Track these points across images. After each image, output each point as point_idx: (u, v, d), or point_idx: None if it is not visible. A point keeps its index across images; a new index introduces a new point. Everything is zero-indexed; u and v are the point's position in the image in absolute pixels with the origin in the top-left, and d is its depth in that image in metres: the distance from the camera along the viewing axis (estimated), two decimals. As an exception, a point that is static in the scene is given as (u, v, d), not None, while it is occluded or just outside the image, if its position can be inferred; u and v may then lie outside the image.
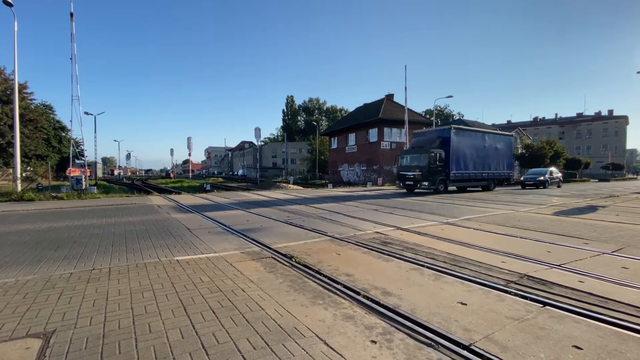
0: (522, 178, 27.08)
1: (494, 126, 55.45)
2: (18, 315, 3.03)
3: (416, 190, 18.97)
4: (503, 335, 2.72)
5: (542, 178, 25.21)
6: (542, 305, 3.31)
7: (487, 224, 8.26)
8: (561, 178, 27.96)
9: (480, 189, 21.71)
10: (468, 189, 21.32)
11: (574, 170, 50.25)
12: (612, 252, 5.48)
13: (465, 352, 2.45)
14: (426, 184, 17.91)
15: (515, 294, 3.59)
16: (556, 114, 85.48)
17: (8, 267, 4.65)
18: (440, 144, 18.64)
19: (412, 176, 18.36)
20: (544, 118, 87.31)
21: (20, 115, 23.04)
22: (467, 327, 2.87)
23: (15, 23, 15.69)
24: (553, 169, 28.15)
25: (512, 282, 4.03)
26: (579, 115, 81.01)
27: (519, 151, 43.21)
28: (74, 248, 5.77)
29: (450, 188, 20.02)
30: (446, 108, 79.07)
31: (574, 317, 3.06)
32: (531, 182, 25.03)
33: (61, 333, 2.70)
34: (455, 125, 19.54)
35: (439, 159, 18.15)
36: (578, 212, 10.67)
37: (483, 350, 2.49)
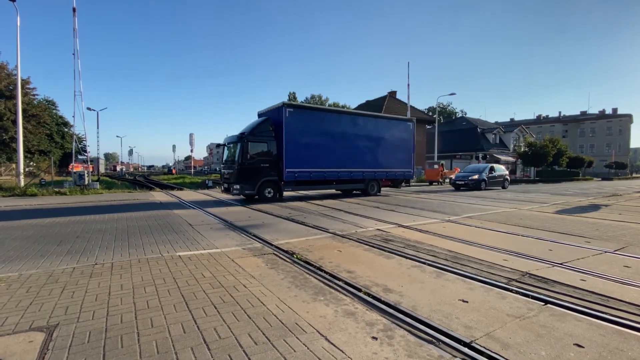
0: (452, 177, 22.53)
1: (496, 124, 55.20)
2: (21, 309, 3.05)
3: (234, 196, 13.53)
4: (504, 332, 2.72)
5: (475, 177, 20.19)
6: (543, 304, 3.30)
7: (488, 222, 8.25)
8: (507, 177, 22.77)
9: (338, 193, 16.16)
10: (343, 192, 16.00)
11: (577, 169, 50.00)
12: (614, 250, 5.47)
13: (466, 349, 2.46)
14: (238, 187, 12.10)
15: (517, 292, 3.59)
16: (560, 112, 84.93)
17: (12, 261, 4.68)
18: (268, 131, 12.91)
19: (227, 176, 13.17)
20: (547, 116, 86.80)
21: (23, 111, 23.11)
22: (468, 324, 2.87)
23: (18, 18, 15.69)
24: (496, 165, 22.92)
25: (513, 280, 4.03)
26: (583, 113, 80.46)
27: (522, 149, 43.02)
28: (76, 243, 5.80)
29: (290, 194, 14.89)
30: (449, 105, 78.67)
31: (575, 315, 3.06)
32: (462, 182, 20.36)
33: (64, 327, 2.72)
34: (293, 103, 13.84)
35: (263, 153, 12.63)
36: (580, 211, 10.63)
37: (484, 347, 2.49)
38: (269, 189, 12.89)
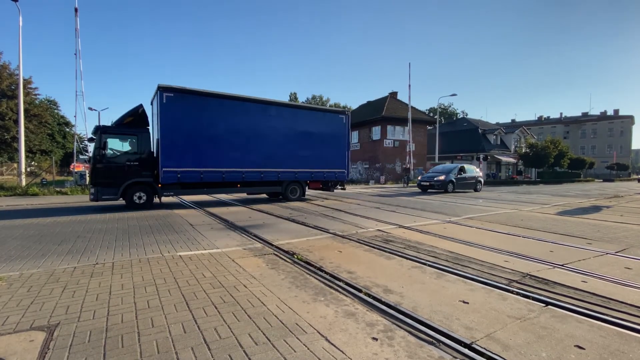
0: (419, 178, 20.54)
1: (497, 125, 55.14)
2: (22, 308, 3.06)
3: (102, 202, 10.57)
4: (505, 334, 2.72)
5: (442, 178, 18.13)
6: (544, 305, 3.29)
7: (489, 223, 8.23)
8: (481, 179, 20.33)
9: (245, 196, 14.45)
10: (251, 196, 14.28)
11: (578, 170, 49.92)
12: (616, 252, 5.45)
13: (466, 351, 2.45)
14: (93, 191, 9.88)
15: (518, 293, 3.58)
16: (561, 113, 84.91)
17: (13, 260, 4.69)
18: (141, 121, 10.77)
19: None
20: (548, 117, 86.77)
21: (25, 111, 23.16)
22: (468, 325, 2.86)
23: (20, 18, 15.75)
24: (467, 165, 20.50)
25: (514, 281, 4.02)
26: (584, 114, 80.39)
27: (523, 150, 42.95)
28: (77, 242, 5.81)
29: (170, 200, 13.01)
30: (450, 106, 78.65)
31: (576, 316, 3.05)
32: (427, 184, 18.50)
33: (65, 326, 2.72)
34: (173, 86, 10.47)
35: (130, 148, 10.36)
36: (582, 212, 10.62)
37: (484, 348, 2.48)
38: (140, 194, 10.45)
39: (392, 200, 14.11)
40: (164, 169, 10.36)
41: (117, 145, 10.28)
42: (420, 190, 19.10)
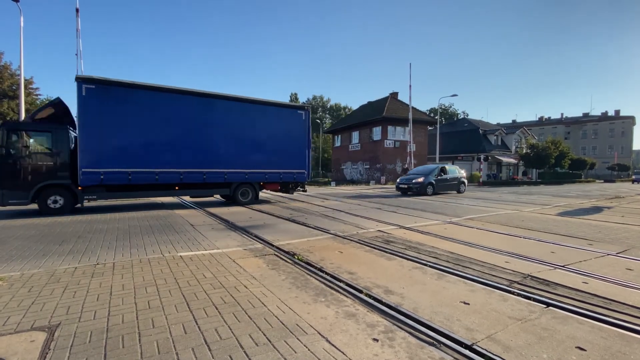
0: (397, 180, 19.21)
1: (498, 125, 55.12)
2: (23, 309, 3.06)
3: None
4: (506, 335, 2.71)
5: (420, 180, 16.80)
6: (545, 306, 3.29)
7: (490, 224, 8.23)
8: (464, 180, 19.00)
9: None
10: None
11: (579, 171, 49.86)
12: (617, 253, 5.44)
13: (467, 352, 2.45)
14: None
15: (519, 294, 3.58)
16: (562, 114, 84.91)
17: (14, 260, 4.70)
18: (59, 116, 9.86)
19: None
20: (549, 118, 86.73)
21: (26, 111, 23.17)
22: (469, 326, 2.86)
23: (22, 18, 15.79)
24: (449, 166, 19.30)
25: (515, 282, 4.01)
26: (585, 115, 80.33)
27: (524, 151, 42.90)
28: (78, 243, 5.81)
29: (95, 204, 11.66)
30: (451, 107, 78.66)
31: (577, 318, 3.04)
32: (405, 187, 17.24)
33: (65, 326, 2.72)
34: (95, 77, 9.45)
35: (44, 146, 9.38)
36: (583, 213, 10.60)
37: (485, 349, 2.48)
38: (56, 198, 9.29)
39: (392, 200, 14.11)
40: (83, 170, 9.26)
41: (29, 143, 9.28)
42: (400, 193, 17.81)
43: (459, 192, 18.58)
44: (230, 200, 12.39)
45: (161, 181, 10.35)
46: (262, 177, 12.30)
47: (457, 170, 18.98)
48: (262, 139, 12.03)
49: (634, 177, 45.95)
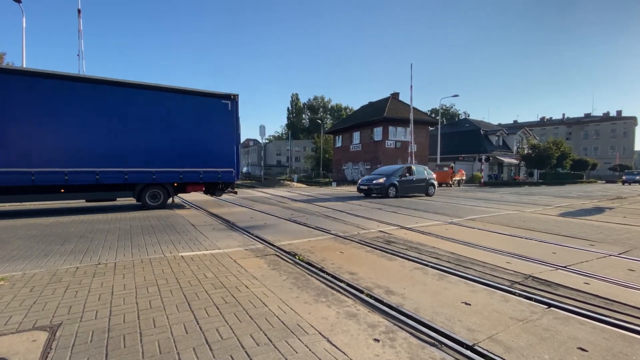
0: (359, 181, 17.38)
1: (500, 126, 55.02)
2: (25, 308, 3.07)
3: None
4: (507, 335, 2.71)
5: (381, 181, 15.45)
6: (547, 307, 3.28)
7: (491, 224, 8.21)
8: (433, 181, 17.42)
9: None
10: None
11: (580, 172, 49.76)
12: (619, 254, 5.43)
13: (468, 352, 2.44)
14: None
15: (520, 295, 3.57)
16: (563, 114, 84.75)
17: (16, 260, 4.71)
18: None
19: None
20: (551, 118, 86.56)
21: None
22: (470, 327, 2.85)
23: (24, 19, 15.84)
24: (416, 166, 17.71)
25: (516, 282, 4.01)
26: (587, 115, 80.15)
27: (526, 151, 42.83)
28: (80, 243, 5.83)
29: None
30: (452, 107, 78.62)
31: (579, 318, 3.04)
32: (365, 188, 15.94)
33: (67, 326, 2.73)
34: None
35: None
36: (584, 214, 10.58)
37: (487, 350, 2.47)
38: None
39: (393, 201, 14.09)
40: None
41: None
42: (363, 195, 16.29)
43: (427, 194, 16.95)
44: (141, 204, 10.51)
45: (40, 182, 8.78)
46: (176, 178, 10.53)
47: (425, 171, 17.54)
48: (175, 133, 10.36)
49: (624, 177, 42.49)
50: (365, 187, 15.87)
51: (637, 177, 39.93)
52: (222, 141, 11.13)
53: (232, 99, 11.20)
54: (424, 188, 16.96)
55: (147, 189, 10.44)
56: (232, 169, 11.32)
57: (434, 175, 17.91)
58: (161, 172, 10.28)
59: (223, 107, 11.10)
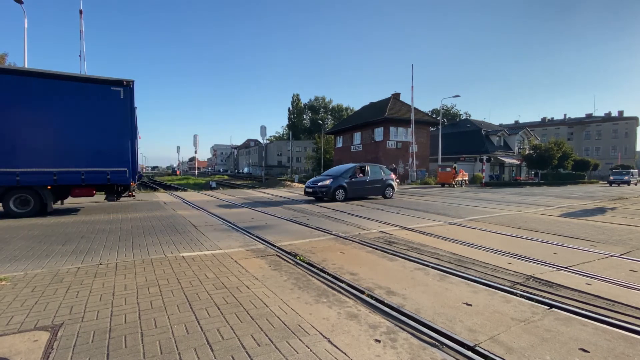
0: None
1: (501, 126, 54.94)
2: (26, 308, 3.07)
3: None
4: (508, 336, 2.70)
5: (327, 183, 13.71)
6: (548, 307, 3.27)
7: (493, 225, 8.20)
8: (391, 182, 15.52)
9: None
10: None
11: (582, 172, 49.63)
12: (621, 254, 5.41)
13: (469, 353, 2.44)
14: None
15: (521, 296, 3.56)
16: (565, 115, 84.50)
17: (17, 260, 4.72)
18: None
19: None
20: (552, 118, 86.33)
21: (30, 112, 23.28)
22: (472, 327, 2.85)
23: (26, 20, 15.88)
24: (372, 165, 15.54)
25: (518, 283, 4.00)
26: (589, 116, 79.93)
27: (527, 152, 42.75)
28: (81, 243, 5.84)
29: None
30: (453, 108, 78.54)
31: (580, 319, 3.03)
32: (310, 191, 14.16)
33: (69, 326, 2.73)
34: None
35: None
36: (586, 214, 10.55)
37: (488, 351, 2.47)
38: None
39: (394, 201, 14.08)
40: None
41: None
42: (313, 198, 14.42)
43: (384, 196, 15.09)
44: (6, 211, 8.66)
45: None
46: (48, 179, 8.70)
47: (381, 171, 15.49)
48: (46, 126, 8.68)
49: (611, 177, 37.37)
50: (310, 190, 14.09)
51: (626, 177, 36.53)
52: (112, 135, 9.23)
53: (125, 85, 9.32)
54: (380, 190, 15.07)
55: (11, 193, 8.60)
56: (125, 169, 9.40)
57: (393, 176, 15.93)
58: (27, 172, 8.46)
59: (113, 95, 9.23)
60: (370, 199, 14.61)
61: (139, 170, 10.31)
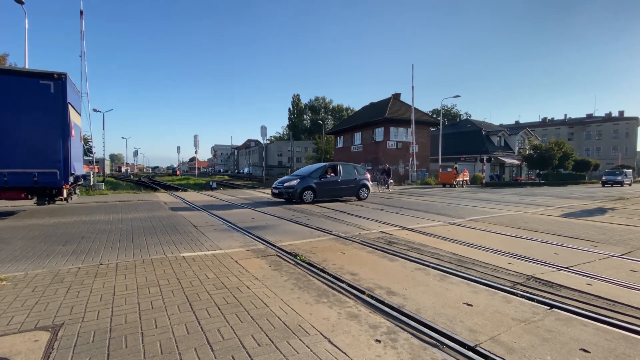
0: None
1: (501, 126, 54.91)
2: (27, 308, 3.07)
3: None
4: (509, 336, 2.70)
5: (293, 184, 12.89)
6: (549, 308, 3.27)
7: (493, 225, 8.19)
8: (366, 182, 14.51)
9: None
10: None
11: (583, 172, 49.59)
12: (621, 255, 5.41)
13: (470, 353, 2.44)
14: None
15: (522, 296, 3.56)
16: (565, 115, 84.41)
17: (18, 260, 4.73)
18: None
19: None
20: (552, 119, 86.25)
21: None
22: (472, 328, 2.85)
23: (26, 20, 15.90)
24: (344, 164, 14.60)
25: (518, 283, 3.99)
26: (589, 116, 79.85)
27: (527, 152, 42.73)
28: (82, 243, 5.84)
29: None
30: (453, 108, 78.60)
31: (581, 319, 3.02)
32: (277, 192, 13.28)
33: (69, 326, 2.73)
34: None
35: None
36: (586, 214, 10.53)
37: (488, 351, 2.47)
38: None
39: (395, 201, 14.07)
40: None
41: None
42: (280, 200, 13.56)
43: (358, 198, 14.22)
44: None
45: None
46: None
47: (355, 170, 14.53)
48: None
49: (604, 177, 35.04)
50: (277, 191, 13.20)
51: (619, 178, 34.26)
52: (40, 133, 8.32)
53: (57, 78, 8.42)
54: (353, 190, 14.14)
55: None
56: (56, 170, 8.39)
57: (367, 176, 14.86)
58: None
59: (42, 89, 8.33)
60: (370, 199, 14.60)
61: (82, 173, 9.32)
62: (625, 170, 36.81)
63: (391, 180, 23.81)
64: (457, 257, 5.17)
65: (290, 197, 12.70)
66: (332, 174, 13.76)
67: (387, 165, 23.67)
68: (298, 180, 12.88)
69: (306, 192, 12.75)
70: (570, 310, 3.21)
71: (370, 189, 14.95)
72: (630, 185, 35.49)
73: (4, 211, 9.78)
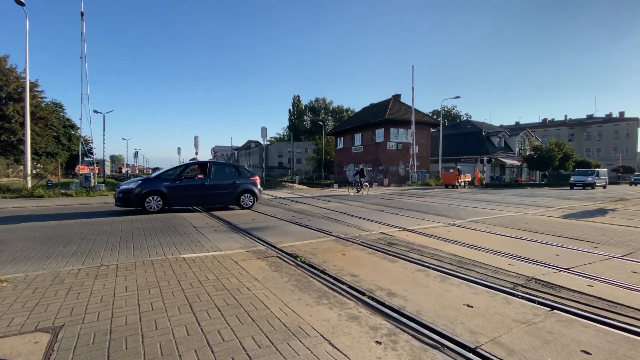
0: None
1: (502, 127, 54.90)
2: (27, 310, 3.07)
3: None
4: (510, 338, 2.69)
5: (131, 186, 10.02)
6: (550, 309, 3.26)
7: (494, 226, 8.18)
8: (251, 187, 11.45)
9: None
10: None
11: (583, 173, 49.52)
12: (622, 256, 5.40)
13: (471, 355, 2.43)
14: None
15: (523, 297, 3.55)
16: (566, 116, 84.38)
17: (18, 262, 4.73)
18: None
19: None
20: (553, 119, 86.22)
21: (31, 113, 23.40)
22: (473, 329, 2.84)
23: (27, 22, 15.93)
24: (219, 165, 12.00)
25: (519, 285, 3.99)
26: (589, 117, 79.83)
27: (528, 153, 42.72)
28: (82, 244, 5.84)
29: None
30: (454, 109, 78.69)
31: (582, 321, 3.02)
32: (120, 196, 10.03)
33: (69, 328, 2.73)
34: None
35: None
36: (587, 215, 10.52)
37: (489, 353, 2.46)
38: None
39: (395, 202, 14.07)
40: None
41: None
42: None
43: (242, 207, 11.25)
44: None
45: None
46: None
47: (235, 172, 11.68)
48: None
49: (572, 179, 31.93)
50: (118, 196, 10.09)
51: (589, 179, 31.00)
52: None
53: None
54: (231, 197, 11.15)
55: None
56: None
57: (257, 179, 11.91)
58: None
59: None
60: (368, 199, 14.59)
61: None
62: (598, 170, 33.04)
63: (366, 183, 20.37)
64: (457, 258, 5.17)
65: (126, 203, 9.93)
66: (200, 176, 11.08)
67: (361, 166, 21.22)
68: (140, 182, 10.19)
69: (150, 198, 9.99)
70: (571, 311, 3.20)
71: (259, 195, 11.85)
72: (604, 187, 31.63)
73: None
